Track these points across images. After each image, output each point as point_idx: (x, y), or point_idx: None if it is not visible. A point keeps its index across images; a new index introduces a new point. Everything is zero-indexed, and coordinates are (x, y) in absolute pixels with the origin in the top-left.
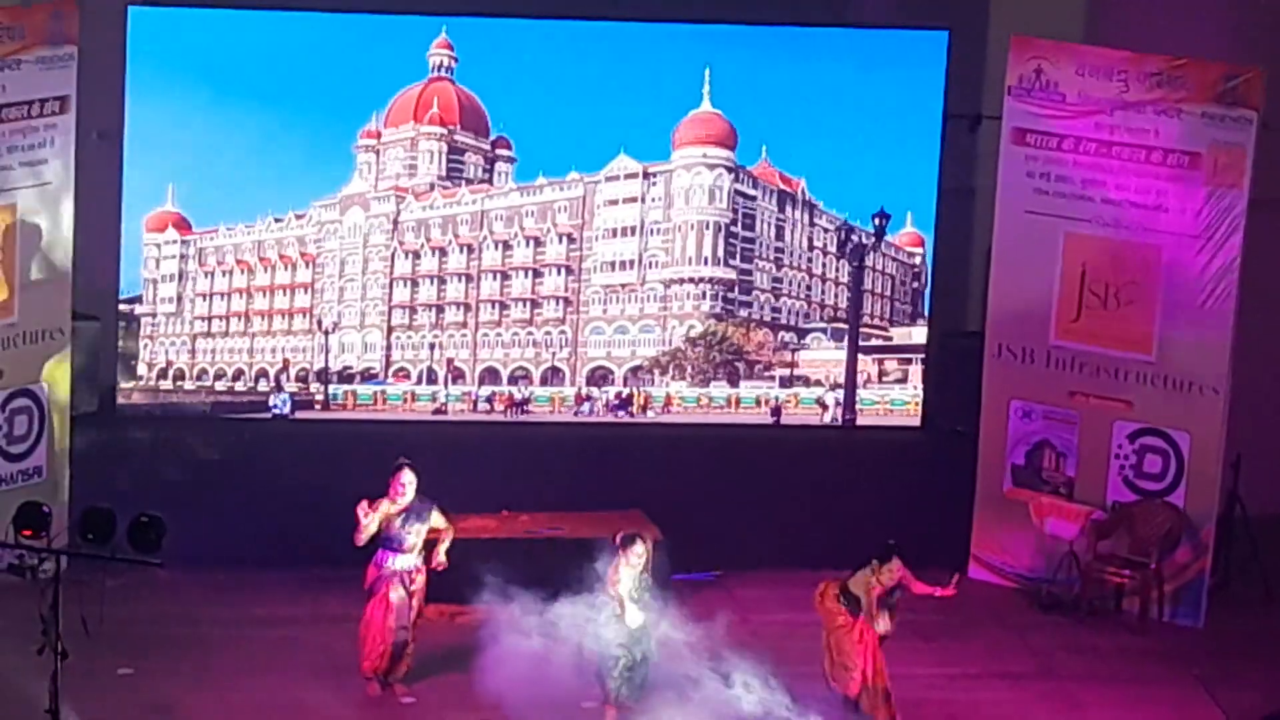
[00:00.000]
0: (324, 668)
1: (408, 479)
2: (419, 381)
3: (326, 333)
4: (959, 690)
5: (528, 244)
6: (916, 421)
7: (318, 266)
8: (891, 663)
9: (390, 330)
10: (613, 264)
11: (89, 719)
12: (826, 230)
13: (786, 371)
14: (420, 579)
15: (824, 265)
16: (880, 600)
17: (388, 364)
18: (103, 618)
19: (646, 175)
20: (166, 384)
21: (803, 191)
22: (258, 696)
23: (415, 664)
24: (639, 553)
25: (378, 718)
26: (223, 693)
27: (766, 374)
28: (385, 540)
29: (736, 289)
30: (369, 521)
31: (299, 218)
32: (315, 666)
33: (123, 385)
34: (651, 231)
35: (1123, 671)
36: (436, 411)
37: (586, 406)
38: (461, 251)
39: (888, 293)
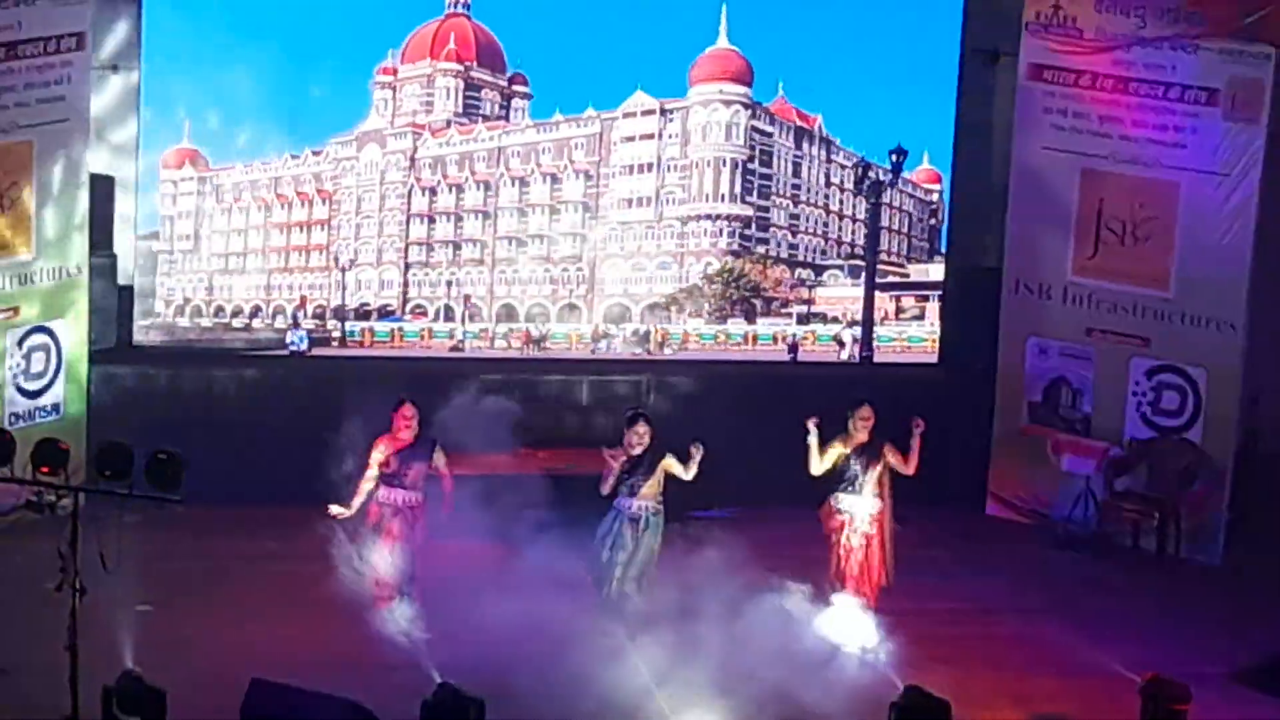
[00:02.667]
0: (343, 602)
1: (407, 413)
2: (436, 318)
3: (344, 270)
4: (975, 625)
5: (545, 180)
6: (934, 358)
7: (334, 203)
8: (908, 598)
9: (407, 267)
10: (629, 201)
11: (108, 655)
12: (844, 167)
13: (804, 308)
14: (421, 514)
15: (841, 202)
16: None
17: (404, 301)
18: (121, 554)
19: (663, 112)
20: (184, 320)
21: (820, 128)
22: (277, 630)
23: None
24: (640, 432)
25: (396, 650)
26: (242, 628)
27: (783, 311)
28: (386, 476)
29: (753, 226)
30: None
31: (316, 154)
32: (334, 601)
33: (140, 322)
34: (668, 168)
35: (1141, 608)
36: (453, 348)
37: (604, 344)
38: (478, 188)
39: (905, 229)
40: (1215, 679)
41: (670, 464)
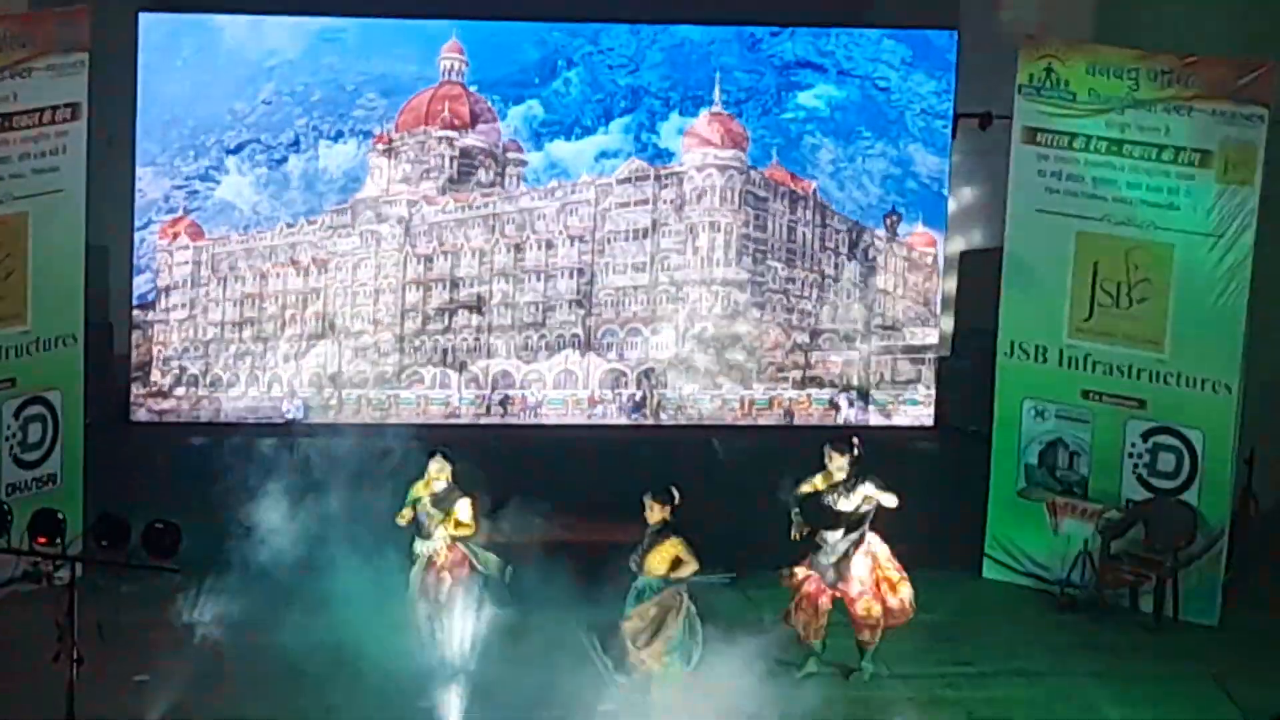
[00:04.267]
0: (344, 670)
1: (434, 467)
2: (432, 386)
3: (340, 338)
4: (975, 688)
5: (540, 247)
6: (930, 421)
7: (330, 272)
8: (907, 662)
9: (403, 335)
10: (625, 266)
11: None
12: (838, 231)
13: (799, 373)
14: (450, 559)
15: (836, 266)
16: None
17: (401, 368)
18: (118, 624)
19: (658, 178)
20: (180, 390)
21: (814, 194)
22: (275, 701)
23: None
24: (646, 504)
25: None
26: (240, 699)
27: (780, 375)
28: (416, 528)
29: (749, 290)
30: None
31: (311, 223)
32: (332, 670)
33: (136, 392)
34: (664, 234)
35: (1139, 669)
36: (449, 415)
37: (600, 409)
38: (473, 255)
39: (900, 293)
40: None
41: (673, 550)
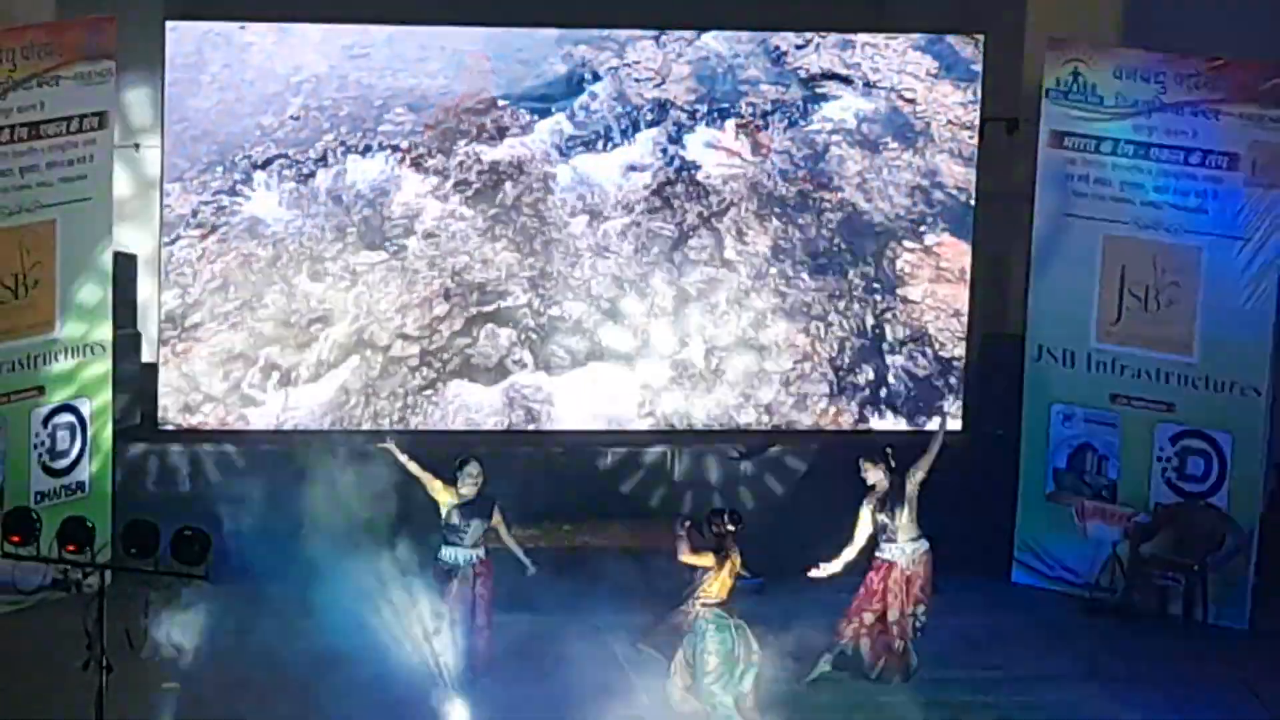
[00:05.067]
0: (372, 679)
1: (472, 471)
2: (459, 398)
3: (367, 351)
4: (1005, 693)
5: (567, 259)
6: (958, 426)
7: (358, 285)
8: (938, 665)
9: (430, 348)
10: (654, 278)
11: None
12: (866, 242)
13: (828, 385)
14: (486, 571)
15: (864, 276)
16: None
17: (428, 381)
18: (147, 632)
19: (685, 190)
20: (208, 406)
21: (841, 205)
22: (305, 709)
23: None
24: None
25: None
26: (269, 706)
27: (809, 386)
28: (447, 532)
29: (777, 301)
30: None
31: (338, 237)
32: (361, 678)
33: (165, 399)
34: (691, 246)
35: (1169, 674)
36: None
37: (627, 419)
38: (501, 268)
39: (928, 303)
40: None
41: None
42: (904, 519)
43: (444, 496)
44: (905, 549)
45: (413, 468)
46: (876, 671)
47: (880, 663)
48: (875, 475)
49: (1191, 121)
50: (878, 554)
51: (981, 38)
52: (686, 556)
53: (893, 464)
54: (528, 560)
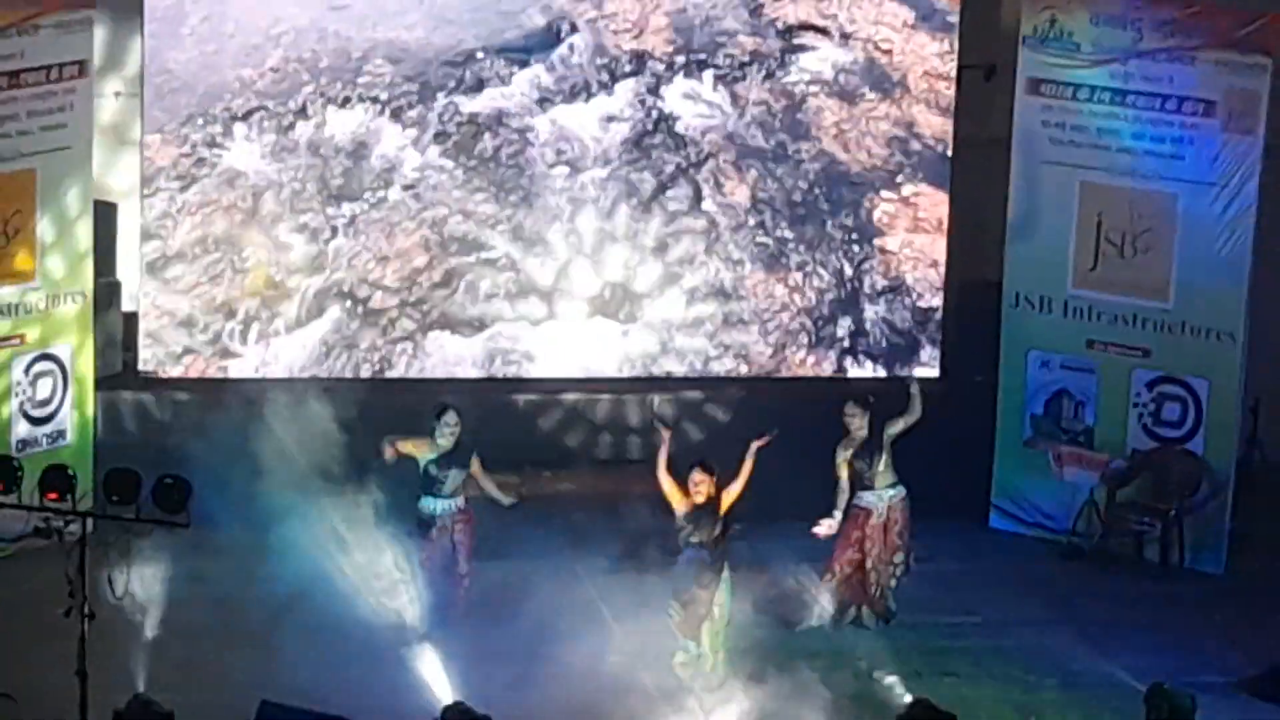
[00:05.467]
0: (354, 625)
1: (449, 420)
2: (439, 350)
3: (347, 303)
4: (982, 637)
5: (546, 211)
6: (935, 371)
7: (337, 236)
8: (915, 610)
9: (410, 300)
10: (631, 229)
11: (117, 680)
12: (843, 193)
13: (807, 336)
14: (466, 520)
15: (841, 227)
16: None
17: (408, 333)
18: (129, 579)
19: (663, 141)
20: (188, 357)
21: (819, 156)
22: (286, 654)
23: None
24: (697, 480)
25: (407, 673)
26: (251, 652)
27: (787, 336)
28: (424, 482)
29: (756, 252)
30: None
31: (319, 189)
32: (344, 624)
33: (145, 347)
34: (670, 197)
35: (1145, 619)
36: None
37: (608, 370)
38: (481, 220)
39: (906, 253)
40: (1220, 688)
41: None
42: (880, 466)
43: (422, 450)
44: (882, 496)
45: (402, 448)
46: (852, 617)
47: (858, 609)
48: (860, 422)
49: (1168, 68)
50: (855, 502)
51: None
52: (665, 483)
53: (872, 413)
54: (506, 498)
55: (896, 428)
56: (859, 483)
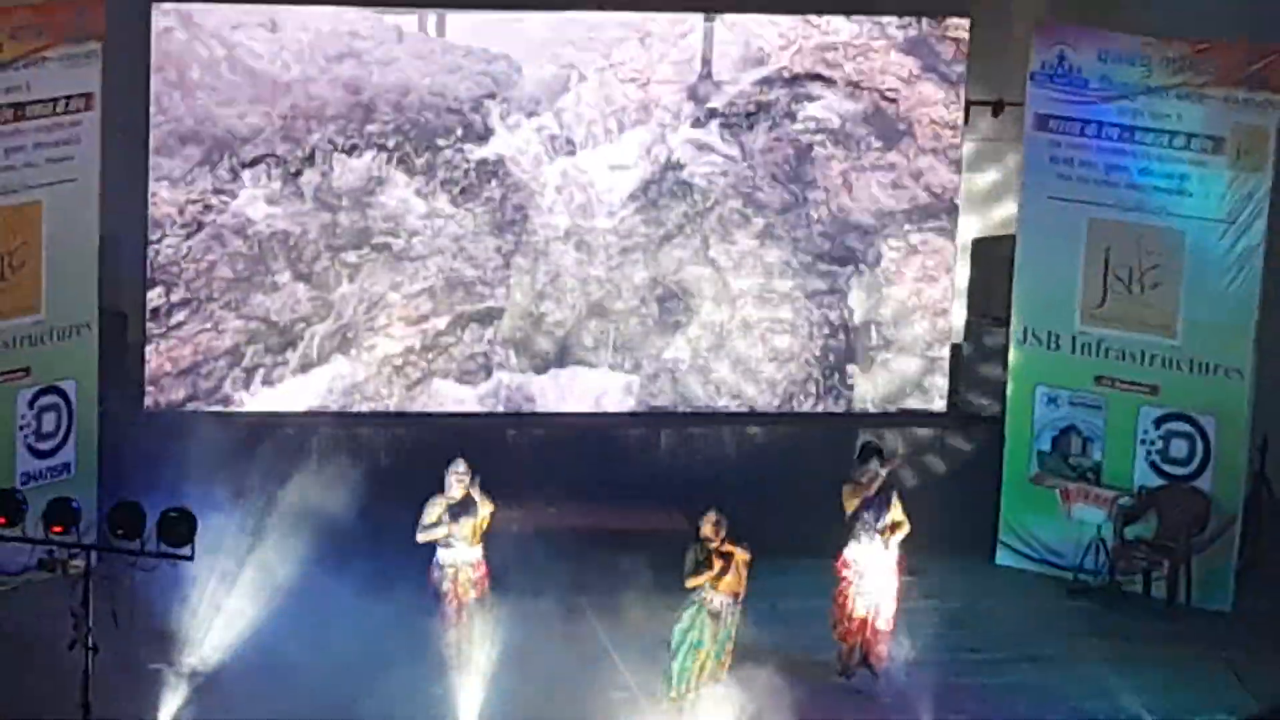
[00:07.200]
0: (358, 661)
1: (458, 469)
2: (446, 396)
3: (353, 349)
4: (989, 674)
5: (553, 258)
6: (943, 407)
7: (345, 283)
8: (921, 648)
9: (417, 346)
10: (640, 276)
11: (121, 713)
12: (850, 241)
13: (815, 385)
14: (481, 572)
15: (847, 276)
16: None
17: (415, 380)
18: (133, 612)
19: (670, 190)
20: (195, 379)
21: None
22: (293, 688)
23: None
24: (711, 521)
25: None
26: (255, 685)
27: (795, 383)
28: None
29: (763, 299)
30: (431, 524)
31: (326, 235)
32: (348, 660)
33: (150, 379)
34: (677, 245)
35: (1152, 655)
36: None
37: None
38: (487, 267)
39: (913, 303)
40: None
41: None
42: (881, 523)
43: (437, 508)
44: (872, 547)
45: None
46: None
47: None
48: (880, 480)
49: (1176, 105)
50: (846, 551)
51: (967, 21)
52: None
53: (888, 468)
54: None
55: (899, 511)
56: (859, 530)
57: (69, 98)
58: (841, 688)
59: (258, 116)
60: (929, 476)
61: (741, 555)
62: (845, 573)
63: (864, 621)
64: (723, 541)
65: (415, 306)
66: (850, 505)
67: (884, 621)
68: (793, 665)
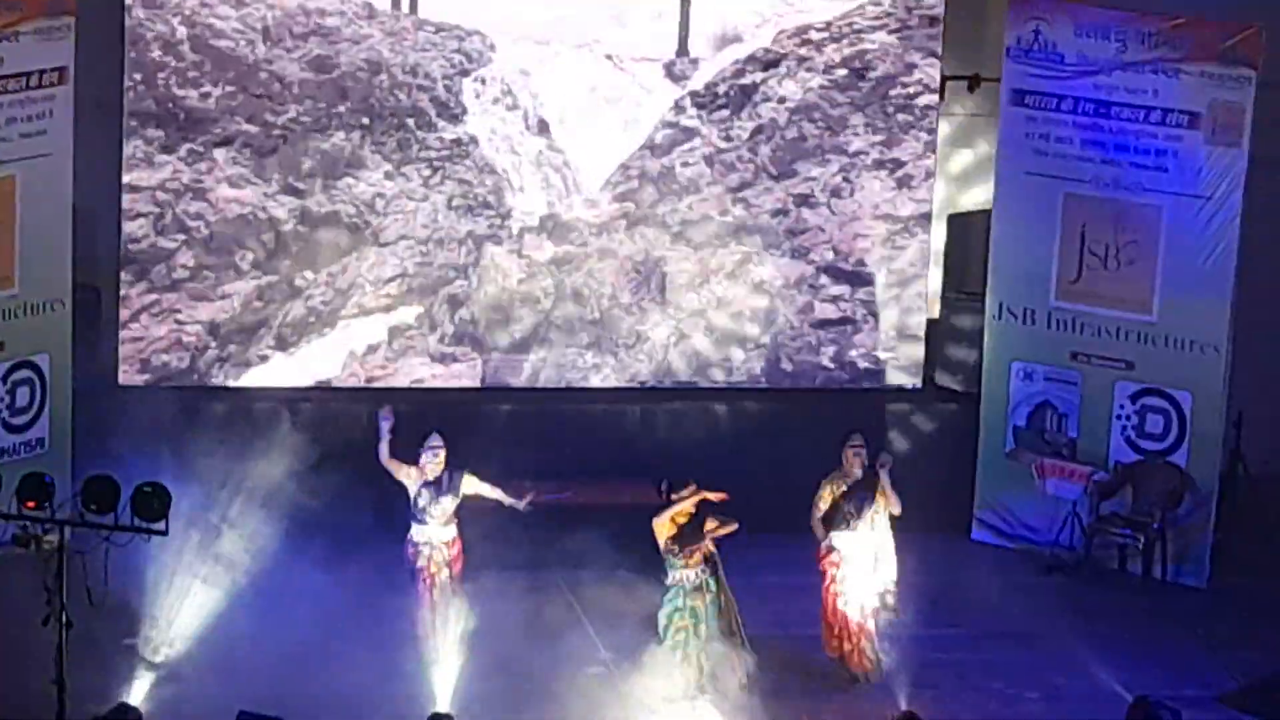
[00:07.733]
0: (334, 633)
1: (434, 444)
2: (426, 371)
3: (326, 326)
4: (965, 650)
5: (531, 235)
6: (919, 383)
7: (318, 262)
8: (898, 625)
9: (394, 323)
10: (617, 259)
11: (95, 688)
12: (827, 217)
13: (791, 353)
14: (455, 550)
15: (826, 252)
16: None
17: (392, 356)
18: (107, 587)
19: (646, 171)
20: (169, 354)
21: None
22: (265, 662)
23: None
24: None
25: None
26: (230, 660)
27: (772, 352)
28: (413, 514)
29: (744, 275)
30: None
31: (298, 213)
32: (326, 632)
33: (124, 355)
34: (654, 225)
35: (1127, 631)
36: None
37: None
38: (462, 244)
39: (889, 280)
40: (1203, 701)
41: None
42: (868, 515)
43: (411, 479)
44: (863, 543)
45: (395, 472)
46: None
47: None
48: (864, 461)
49: (1152, 80)
50: (831, 544)
51: None
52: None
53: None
54: (519, 502)
55: (891, 500)
56: (839, 522)
57: (42, 71)
58: (816, 662)
59: (224, 96)
60: (904, 452)
61: (715, 525)
62: (828, 566)
63: (860, 626)
64: (698, 508)
65: (387, 287)
66: (825, 501)
67: (870, 620)
68: (771, 642)
